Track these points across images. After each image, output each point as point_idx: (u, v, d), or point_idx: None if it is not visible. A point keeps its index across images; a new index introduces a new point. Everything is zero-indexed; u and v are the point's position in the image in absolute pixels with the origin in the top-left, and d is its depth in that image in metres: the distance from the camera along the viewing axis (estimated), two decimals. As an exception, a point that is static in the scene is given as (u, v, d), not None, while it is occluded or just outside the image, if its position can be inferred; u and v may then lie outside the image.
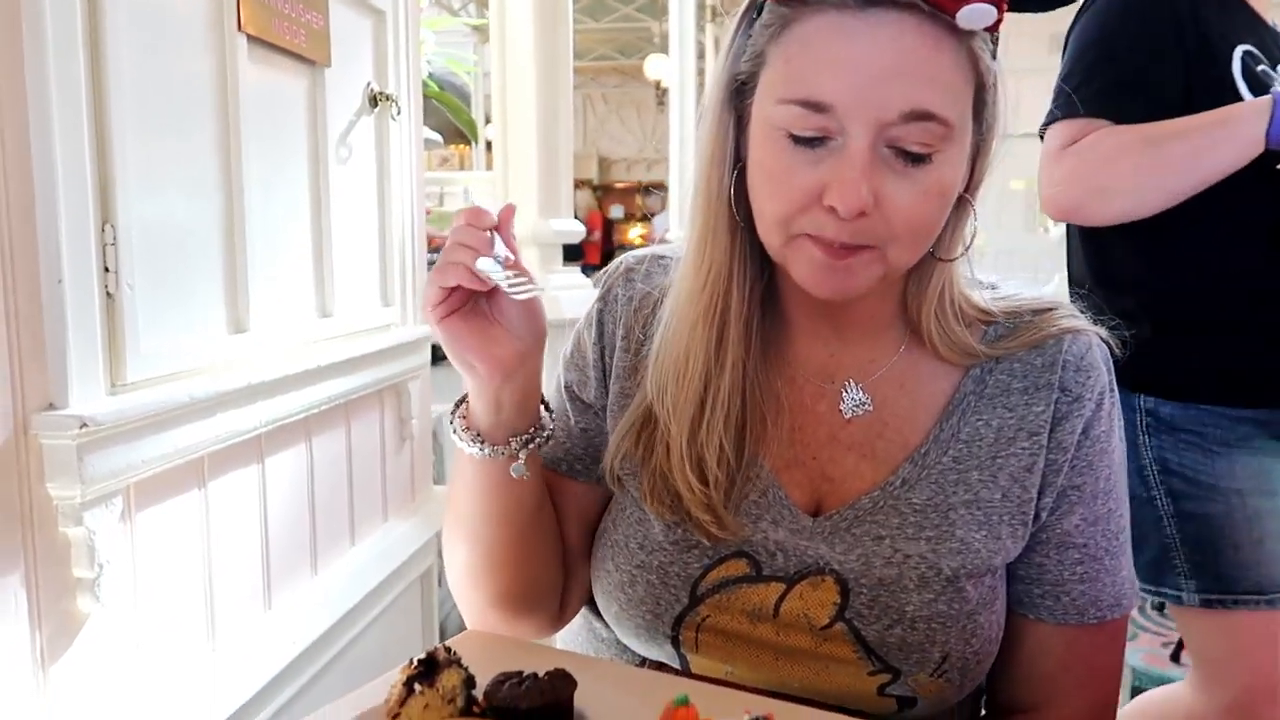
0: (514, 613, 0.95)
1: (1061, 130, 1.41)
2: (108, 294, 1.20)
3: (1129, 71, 1.39)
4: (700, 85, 6.89)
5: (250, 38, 1.50)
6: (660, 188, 14.27)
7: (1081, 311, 0.94)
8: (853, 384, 0.91)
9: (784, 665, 0.87)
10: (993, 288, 0.95)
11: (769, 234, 0.83)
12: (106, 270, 1.19)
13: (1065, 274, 1.57)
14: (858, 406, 0.90)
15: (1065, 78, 1.45)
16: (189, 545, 1.41)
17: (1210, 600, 1.36)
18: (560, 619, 1.01)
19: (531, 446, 0.88)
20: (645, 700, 0.78)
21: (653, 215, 13.41)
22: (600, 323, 0.98)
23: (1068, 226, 1.57)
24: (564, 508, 0.99)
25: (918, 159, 0.77)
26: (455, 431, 0.88)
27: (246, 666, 1.52)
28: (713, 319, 0.87)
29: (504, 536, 0.91)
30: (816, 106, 0.76)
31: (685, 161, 6.44)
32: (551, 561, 0.96)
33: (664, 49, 7.79)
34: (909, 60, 0.75)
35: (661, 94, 9.22)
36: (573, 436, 0.99)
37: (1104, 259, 1.47)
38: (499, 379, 0.85)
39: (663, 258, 0.99)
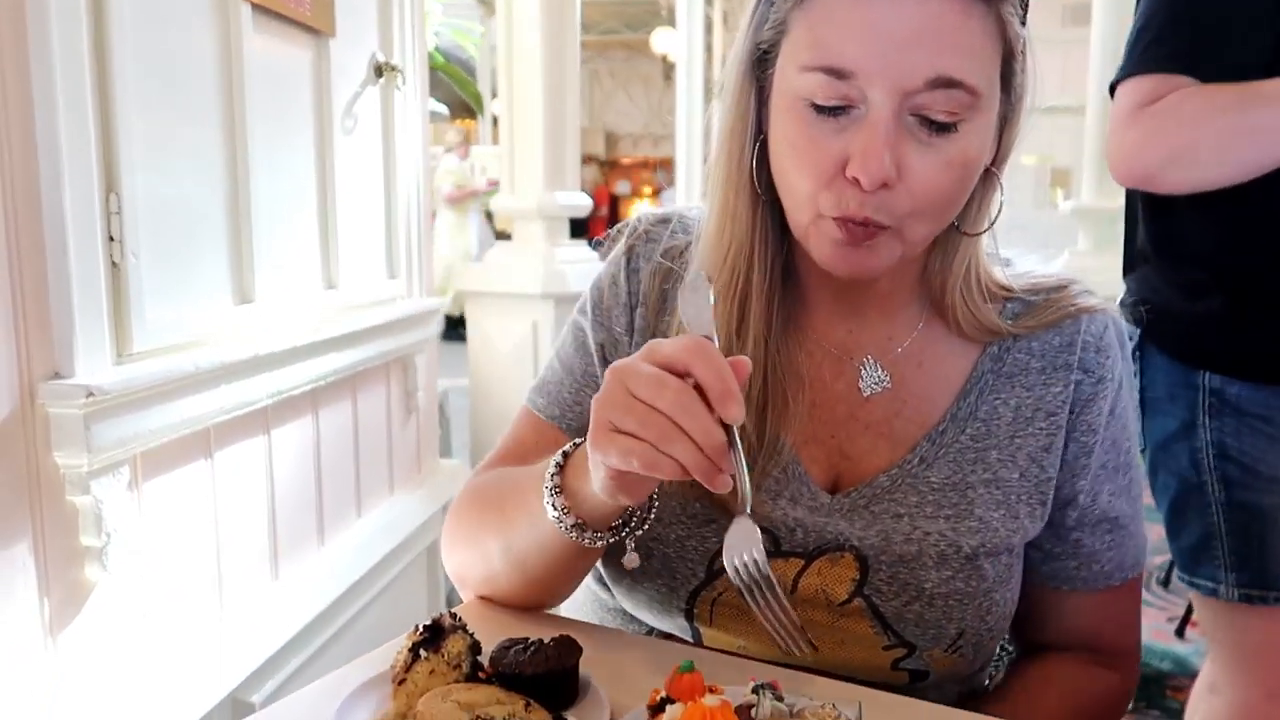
0: (523, 605, 0.91)
1: (1136, 87, 1.26)
2: (113, 263, 1.20)
3: (1215, 25, 1.24)
4: (708, 59, 6.84)
5: (254, 7, 1.49)
6: (667, 165, 14.23)
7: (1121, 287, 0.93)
8: (871, 361, 0.90)
9: (828, 682, 0.84)
10: (1008, 263, 0.94)
11: (796, 211, 0.81)
12: (111, 240, 1.19)
13: (1073, 250, 1.52)
14: (876, 384, 0.89)
15: (1141, 30, 1.30)
16: (196, 515, 1.42)
17: (1251, 596, 1.30)
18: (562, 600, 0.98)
19: (639, 534, 0.80)
20: (650, 667, 0.78)
21: (661, 190, 13.36)
22: (628, 281, 0.95)
23: (1129, 192, 1.45)
24: None
25: (943, 128, 0.75)
26: (552, 509, 0.77)
27: (254, 636, 1.53)
28: (734, 295, 0.85)
29: (553, 577, 0.86)
30: (839, 73, 0.74)
31: (693, 137, 6.40)
32: (586, 572, 0.92)
33: (671, 22, 7.73)
34: (935, 26, 0.73)
35: (669, 68, 9.16)
36: None
37: (1173, 228, 1.34)
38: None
39: (684, 218, 0.96)
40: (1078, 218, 3.77)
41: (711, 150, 0.88)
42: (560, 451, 0.79)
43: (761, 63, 0.82)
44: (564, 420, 0.95)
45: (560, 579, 0.87)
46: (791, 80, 0.78)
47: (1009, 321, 0.89)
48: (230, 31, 1.44)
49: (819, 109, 0.76)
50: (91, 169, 1.15)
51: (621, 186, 15.14)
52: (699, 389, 0.65)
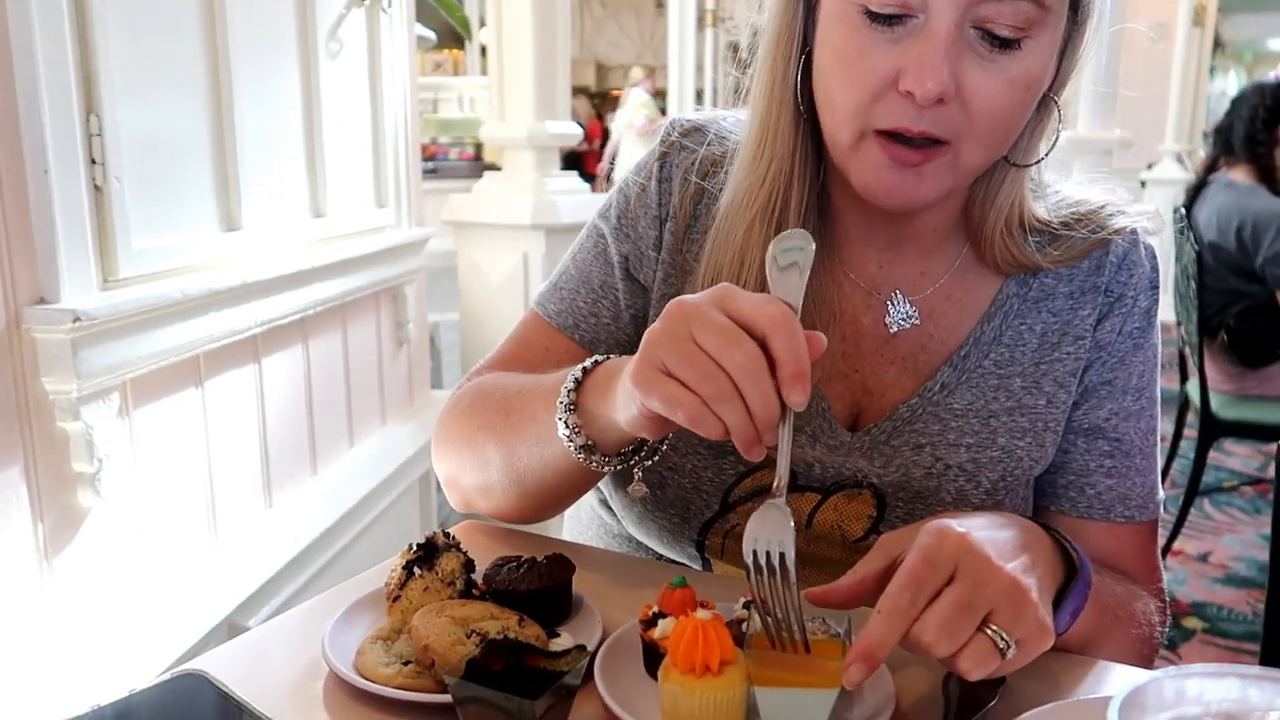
0: (518, 519, 0.88)
1: None
2: (95, 187, 1.18)
3: None
4: (701, -13, 6.69)
5: (233, -79, 1.44)
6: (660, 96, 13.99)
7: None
8: (900, 296, 0.86)
9: (810, 575, 0.85)
10: (1046, 187, 0.89)
11: (839, 128, 0.75)
12: (94, 162, 1.17)
13: (1068, 180, 1.49)
14: (905, 320, 0.86)
15: None
16: (188, 443, 1.42)
17: None
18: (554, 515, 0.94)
19: (648, 464, 0.76)
20: (642, 583, 0.79)
21: (630, 88, 13.09)
22: (659, 192, 0.89)
23: None
24: None
25: (1006, 44, 0.70)
26: (563, 427, 0.72)
27: (249, 562, 1.54)
28: (771, 218, 0.81)
29: (552, 494, 0.82)
30: None
31: (685, 67, 6.29)
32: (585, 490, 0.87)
33: (663, -52, 7.54)
34: None
35: (660, -3, 8.97)
36: (621, 323, 0.89)
37: None
38: None
39: (721, 126, 0.90)
40: (1074, 149, 3.74)
41: (755, 61, 0.83)
42: (580, 367, 0.73)
43: None
44: (577, 331, 0.90)
45: (559, 496, 0.84)
46: None
47: (1042, 255, 0.85)
48: (209, -52, 1.40)
49: (874, 16, 0.71)
50: (70, 88, 1.12)
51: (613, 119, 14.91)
52: (769, 357, 0.59)
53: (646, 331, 0.63)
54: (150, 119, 1.29)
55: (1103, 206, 0.88)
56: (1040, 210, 0.87)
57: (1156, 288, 0.88)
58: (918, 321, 0.86)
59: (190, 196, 1.39)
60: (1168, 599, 0.90)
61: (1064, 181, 0.90)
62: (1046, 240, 0.86)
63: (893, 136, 0.73)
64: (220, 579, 1.46)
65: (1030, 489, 0.88)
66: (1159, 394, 0.90)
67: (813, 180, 0.82)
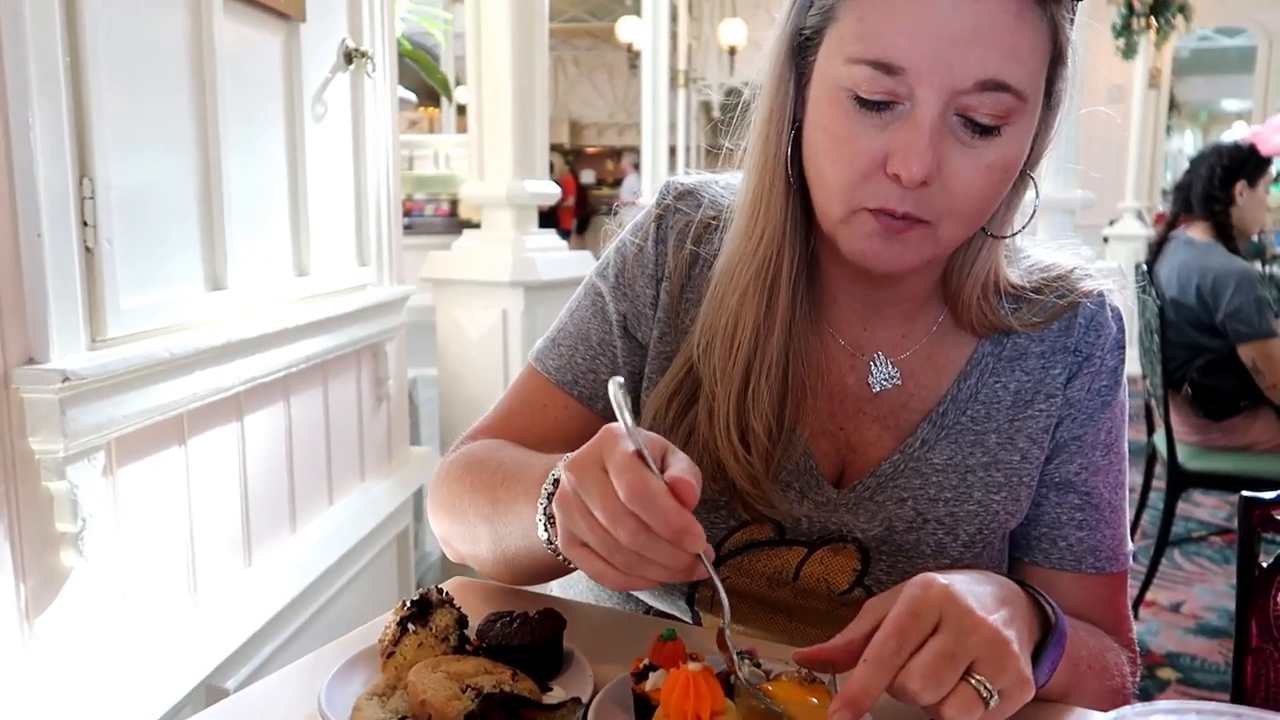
0: (506, 581, 0.89)
1: None
2: (86, 249, 1.19)
3: None
4: (673, 48, 6.84)
5: (225, -9, 1.48)
6: (634, 152, 14.17)
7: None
8: (882, 358, 0.90)
9: (797, 627, 0.88)
10: (1017, 252, 0.92)
11: (830, 204, 0.79)
12: (85, 225, 1.19)
13: (1034, 240, 1.52)
14: (887, 380, 0.89)
15: None
16: (171, 501, 1.42)
17: None
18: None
19: None
20: (632, 636, 0.80)
21: (624, 177, 13.30)
22: (656, 252, 0.91)
23: None
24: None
25: (986, 130, 0.74)
26: (543, 530, 0.73)
27: (228, 622, 1.53)
28: (764, 284, 0.84)
29: (540, 574, 0.85)
30: (888, 69, 0.72)
31: (658, 126, 6.40)
32: None
33: (636, 11, 7.72)
34: (990, 26, 0.70)
35: (634, 57, 9.15)
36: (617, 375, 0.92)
37: None
38: None
39: (714, 193, 0.93)
40: (1040, 208, 3.83)
41: (749, 134, 0.86)
42: (561, 463, 0.72)
43: (803, 49, 0.80)
44: (576, 387, 0.92)
45: (551, 574, 0.87)
46: (836, 70, 0.76)
47: (1015, 318, 0.89)
48: (201, 16, 1.43)
49: (863, 103, 0.74)
50: (65, 153, 1.15)
51: (587, 176, 15.10)
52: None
53: (557, 493, 0.65)
54: (141, 180, 1.31)
55: (1071, 270, 0.92)
56: (1013, 275, 0.91)
57: (1122, 347, 0.92)
58: (899, 382, 0.90)
59: (178, 256, 1.41)
60: (1139, 650, 0.93)
61: (1034, 246, 0.94)
62: (1019, 304, 0.90)
63: (877, 211, 0.77)
64: (199, 639, 1.45)
65: (1006, 542, 0.92)
66: (1127, 449, 0.94)
67: (803, 247, 0.86)
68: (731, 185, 0.93)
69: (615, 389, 0.65)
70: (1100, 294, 0.91)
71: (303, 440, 1.83)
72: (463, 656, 0.71)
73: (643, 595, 0.93)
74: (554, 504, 0.66)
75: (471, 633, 0.75)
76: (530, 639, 0.73)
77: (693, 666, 0.63)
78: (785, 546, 0.87)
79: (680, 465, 0.63)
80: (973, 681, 0.62)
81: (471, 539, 0.87)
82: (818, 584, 0.87)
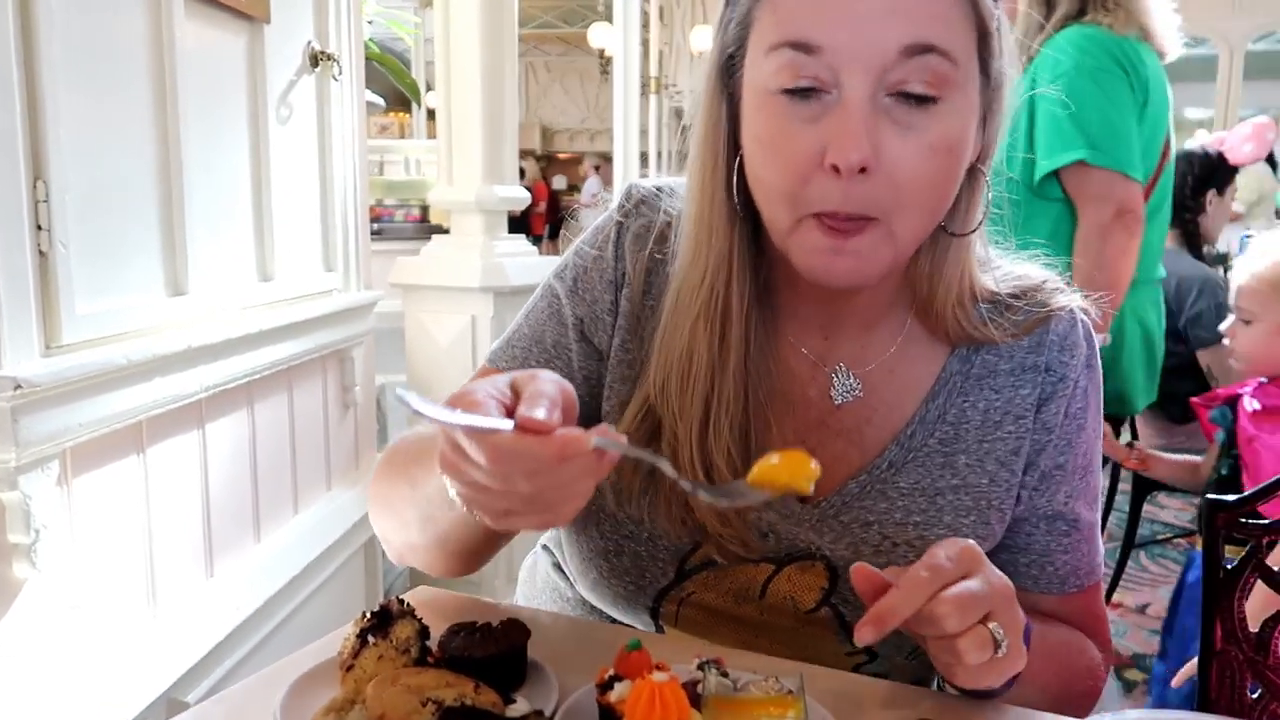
0: (444, 573, 0.89)
1: None
2: (40, 253, 1.17)
3: None
4: (645, 54, 6.85)
5: (186, -9, 1.46)
6: (594, 155, 14.18)
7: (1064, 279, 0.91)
8: (844, 369, 0.87)
9: (762, 643, 0.87)
10: (988, 262, 0.90)
11: (776, 215, 0.76)
12: (39, 228, 1.16)
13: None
14: (848, 393, 0.87)
15: None
16: (128, 511, 1.39)
17: None
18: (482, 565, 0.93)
19: None
20: (597, 647, 0.79)
21: (585, 179, 13.29)
22: (615, 259, 0.89)
23: None
24: None
25: (922, 100, 0.71)
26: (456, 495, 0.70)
27: (188, 634, 1.50)
28: (714, 314, 0.82)
29: (472, 545, 0.83)
30: (806, 47, 0.71)
31: (630, 132, 6.40)
32: (503, 540, 0.89)
33: (608, 17, 7.72)
34: None
35: (605, 62, 9.15)
36: (574, 384, 0.86)
37: None
38: None
39: (676, 195, 0.90)
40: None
41: (688, 166, 0.84)
42: None
43: (730, 68, 0.79)
44: None
45: (482, 549, 0.84)
46: (760, 70, 0.75)
47: (995, 326, 0.87)
48: (162, 16, 1.41)
49: (789, 93, 0.73)
50: (18, 155, 1.12)
51: (559, 181, 15.09)
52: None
53: (440, 461, 0.63)
54: (97, 182, 1.28)
55: (1043, 282, 0.90)
56: (988, 282, 0.88)
57: (1094, 366, 0.90)
58: (860, 394, 0.87)
59: (136, 260, 1.38)
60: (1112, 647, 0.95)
61: (1002, 256, 0.92)
62: (997, 311, 0.87)
63: (822, 217, 0.74)
64: (159, 652, 1.42)
65: None
66: (1100, 462, 0.94)
67: (753, 271, 0.83)
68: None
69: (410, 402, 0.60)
70: (1072, 311, 0.89)
71: (267, 448, 1.80)
72: (424, 669, 0.70)
73: (606, 608, 0.91)
74: (443, 473, 0.63)
75: (433, 644, 0.73)
76: (493, 650, 0.71)
77: (658, 677, 0.63)
78: (752, 564, 0.85)
79: (526, 404, 0.60)
80: (990, 626, 0.67)
81: (403, 527, 0.85)
82: (784, 601, 0.86)
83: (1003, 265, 0.91)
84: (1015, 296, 0.88)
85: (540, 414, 0.59)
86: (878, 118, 0.71)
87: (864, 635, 0.66)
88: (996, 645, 0.67)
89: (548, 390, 0.61)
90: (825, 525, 0.85)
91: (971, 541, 0.71)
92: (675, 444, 0.83)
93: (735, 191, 0.80)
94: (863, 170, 0.71)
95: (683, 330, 0.83)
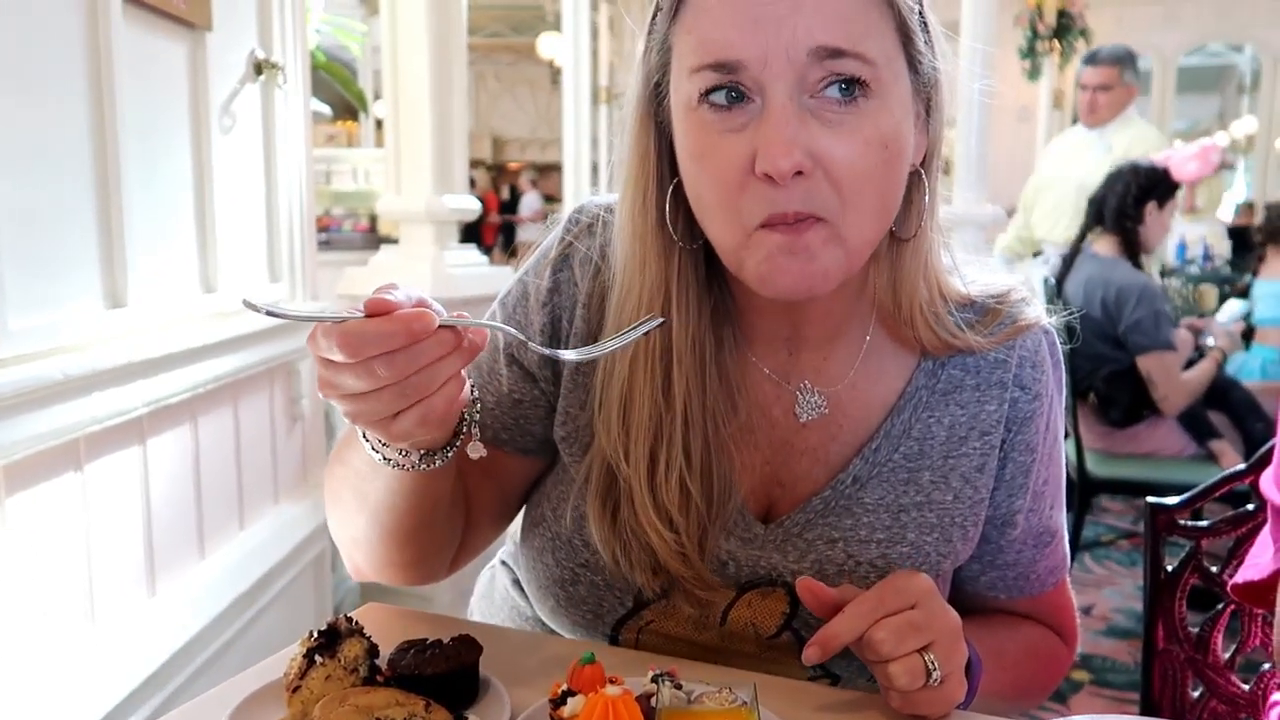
0: (399, 576, 0.88)
1: None
2: (-29, 265, 1.13)
3: None
4: (594, 65, 6.86)
5: (124, -3, 1.42)
6: (531, 169, 14.15)
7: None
8: (809, 386, 0.86)
9: (722, 675, 0.83)
10: (956, 268, 0.89)
11: (722, 231, 0.74)
12: (-31, 240, 1.12)
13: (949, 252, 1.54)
14: (814, 410, 0.85)
15: None
16: (66, 530, 1.34)
17: None
18: (446, 574, 0.93)
19: (458, 445, 0.74)
20: (551, 661, 0.78)
21: (522, 194, 13.20)
22: (556, 281, 0.87)
23: None
24: (480, 472, 0.87)
25: (846, 99, 0.70)
26: (373, 449, 0.72)
27: (130, 655, 1.46)
28: (654, 352, 0.79)
29: (411, 522, 0.81)
30: (725, 67, 0.70)
31: (580, 141, 6.40)
32: (453, 533, 0.88)
33: (557, 27, 7.72)
34: (811, 1, 0.69)
35: (555, 72, 9.13)
36: (503, 405, 0.88)
37: None
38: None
39: None
40: (952, 224, 3.94)
41: (619, 204, 0.83)
42: None
43: (657, 95, 0.78)
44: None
45: (421, 527, 0.82)
46: (684, 90, 0.74)
47: (972, 331, 0.85)
48: (99, 23, 1.38)
49: (714, 106, 0.72)
50: (-54, 164, 1.08)
51: (509, 191, 15.02)
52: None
53: (318, 386, 0.65)
54: (31, 193, 1.25)
55: (1009, 290, 0.89)
56: (958, 285, 0.87)
57: (1061, 381, 0.91)
58: (826, 411, 0.86)
59: (73, 272, 1.35)
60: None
61: (965, 263, 0.91)
62: (974, 316, 0.87)
63: (770, 224, 0.73)
64: (99, 675, 1.38)
65: (942, 580, 0.89)
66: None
67: (698, 302, 0.81)
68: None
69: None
70: (1040, 326, 0.89)
71: (211, 463, 1.76)
72: (373, 688, 0.69)
73: (565, 634, 0.91)
74: (324, 395, 0.65)
75: (383, 662, 0.72)
76: (444, 667, 0.70)
77: (612, 691, 0.62)
78: (713, 595, 0.84)
79: (373, 294, 0.63)
80: (925, 657, 0.70)
81: (346, 517, 0.84)
82: (745, 628, 0.85)
83: (968, 272, 0.91)
84: (990, 304, 0.88)
85: (387, 297, 0.61)
86: (805, 119, 0.70)
87: (810, 655, 0.71)
88: (929, 674, 0.70)
89: (397, 289, 0.63)
90: (789, 544, 0.84)
91: (925, 575, 0.74)
92: (632, 496, 0.81)
93: (674, 220, 0.79)
94: (799, 174, 0.70)
95: (621, 371, 0.81)
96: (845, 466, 0.85)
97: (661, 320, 0.76)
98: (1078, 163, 3.91)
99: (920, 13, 0.76)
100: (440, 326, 0.62)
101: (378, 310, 0.61)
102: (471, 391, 0.74)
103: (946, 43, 0.79)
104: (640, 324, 0.73)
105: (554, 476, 0.90)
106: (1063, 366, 0.91)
